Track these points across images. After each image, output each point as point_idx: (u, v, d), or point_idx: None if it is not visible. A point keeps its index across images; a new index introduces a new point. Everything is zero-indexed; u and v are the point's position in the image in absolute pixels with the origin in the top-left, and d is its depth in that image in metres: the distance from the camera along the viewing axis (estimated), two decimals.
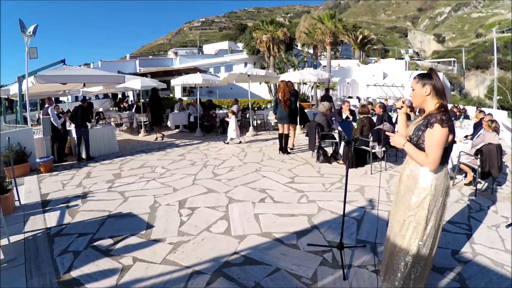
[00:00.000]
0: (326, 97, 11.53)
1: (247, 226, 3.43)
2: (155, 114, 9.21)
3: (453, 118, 1.98)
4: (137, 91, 13.52)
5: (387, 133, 2.10)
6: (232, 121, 8.33)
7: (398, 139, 2.00)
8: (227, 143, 8.42)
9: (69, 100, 16.78)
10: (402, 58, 49.44)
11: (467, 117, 11.38)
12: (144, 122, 11.20)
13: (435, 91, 1.91)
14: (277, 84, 6.92)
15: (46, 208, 4.17)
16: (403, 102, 2.16)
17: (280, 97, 6.79)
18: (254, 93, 20.48)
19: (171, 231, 3.35)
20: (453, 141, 1.92)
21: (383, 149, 5.58)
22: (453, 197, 4.21)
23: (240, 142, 8.49)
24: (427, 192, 1.90)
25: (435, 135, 1.81)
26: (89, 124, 7.56)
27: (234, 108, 10.81)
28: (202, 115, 10.70)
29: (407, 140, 1.98)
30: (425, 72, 2.00)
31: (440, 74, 29.99)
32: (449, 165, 4.84)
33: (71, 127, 7.68)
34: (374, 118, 6.63)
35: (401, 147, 1.98)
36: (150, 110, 9.42)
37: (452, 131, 1.84)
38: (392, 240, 2.08)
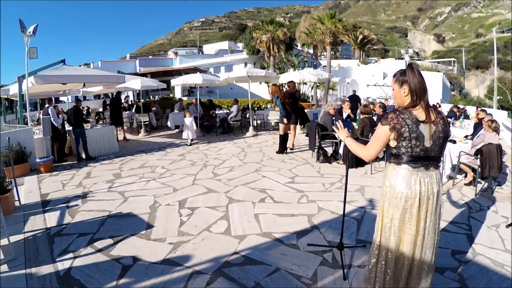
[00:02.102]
0: (355, 98, 11.93)
1: (247, 226, 3.43)
2: (115, 115, 9.77)
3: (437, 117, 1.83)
4: (137, 91, 13.52)
5: (334, 127, 2.22)
6: (188, 121, 8.37)
7: (342, 134, 2.14)
8: (190, 144, 8.47)
9: (69, 100, 16.79)
10: (402, 58, 49.49)
11: (467, 117, 11.38)
12: (144, 122, 11.21)
13: (411, 91, 1.80)
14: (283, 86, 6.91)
15: (46, 208, 4.17)
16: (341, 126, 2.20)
17: (281, 99, 6.80)
18: (254, 93, 20.49)
19: (171, 231, 3.35)
20: (407, 142, 1.77)
21: (383, 149, 5.57)
22: (453, 197, 4.21)
23: (191, 143, 8.54)
24: (383, 193, 1.95)
25: (376, 130, 1.90)
26: (87, 125, 7.56)
27: (234, 108, 10.83)
28: (202, 115, 10.70)
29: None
30: (403, 69, 1.87)
31: (440, 74, 30.10)
32: (445, 167, 4.85)
33: (71, 128, 7.68)
34: (374, 118, 6.63)
35: (344, 141, 2.11)
36: (111, 111, 9.95)
37: (396, 128, 1.76)
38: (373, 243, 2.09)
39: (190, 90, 25.22)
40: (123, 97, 18.36)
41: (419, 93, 1.78)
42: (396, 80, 1.88)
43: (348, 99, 11.78)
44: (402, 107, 1.85)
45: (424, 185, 1.81)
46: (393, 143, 1.84)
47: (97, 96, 22.03)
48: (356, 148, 1.97)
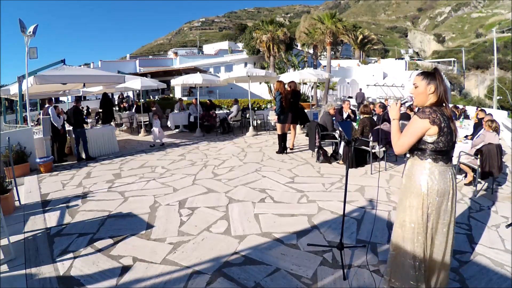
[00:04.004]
0: (360, 95, 12.49)
1: (247, 226, 3.43)
2: (106, 114, 10.56)
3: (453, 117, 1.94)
4: (137, 91, 13.52)
5: (393, 103, 2.13)
6: (156, 123, 8.51)
7: (393, 111, 2.06)
8: (162, 144, 8.55)
9: (69, 100, 16.79)
10: (402, 58, 49.46)
11: (467, 117, 11.38)
12: (144, 122, 11.21)
13: (437, 90, 1.90)
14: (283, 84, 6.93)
15: (46, 208, 4.17)
16: (398, 104, 2.15)
17: (283, 97, 6.80)
18: (254, 93, 20.48)
19: (171, 231, 3.35)
20: (445, 137, 1.84)
21: (383, 149, 5.58)
22: None
23: (163, 144, 8.62)
24: (418, 192, 1.90)
25: (410, 123, 1.89)
26: (87, 125, 7.56)
27: (234, 108, 10.82)
28: (202, 115, 10.70)
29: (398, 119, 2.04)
30: (430, 71, 1.97)
31: None
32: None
33: (71, 128, 7.68)
34: (374, 118, 6.63)
35: (392, 119, 2.06)
36: (103, 111, 10.69)
37: (436, 123, 1.80)
38: (395, 242, 2.06)
39: (190, 90, 25.22)
40: (116, 96, 18.62)
41: (446, 94, 1.90)
42: (424, 78, 1.93)
43: (349, 98, 11.92)
44: (429, 105, 1.90)
45: (454, 179, 1.91)
46: (430, 138, 1.84)
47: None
48: (395, 135, 1.98)
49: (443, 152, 1.87)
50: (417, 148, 1.92)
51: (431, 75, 1.93)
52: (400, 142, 1.92)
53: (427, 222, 1.89)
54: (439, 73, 1.93)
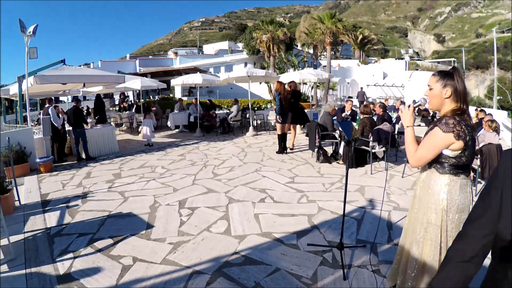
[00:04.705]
0: (361, 94, 12.86)
1: (247, 226, 3.43)
2: (99, 114, 10.92)
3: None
4: (137, 91, 13.53)
5: (404, 107, 1.87)
6: (148, 123, 8.58)
7: (407, 117, 1.80)
8: (151, 145, 8.56)
9: (69, 100, 16.79)
10: (402, 58, 49.45)
11: None
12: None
13: (456, 94, 1.68)
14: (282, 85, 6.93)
15: (46, 208, 4.17)
16: (401, 104, 2.07)
17: (282, 97, 6.81)
18: (254, 93, 20.48)
19: (171, 231, 3.35)
20: (469, 150, 1.65)
21: (383, 149, 5.58)
22: None
23: (152, 144, 8.61)
24: (437, 208, 1.73)
25: (432, 135, 1.68)
26: (87, 125, 7.55)
27: (234, 108, 10.83)
28: (202, 115, 10.70)
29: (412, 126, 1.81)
30: (447, 70, 1.74)
31: None
32: None
33: (71, 128, 7.68)
34: (374, 118, 6.63)
35: (405, 127, 1.82)
36: (97, 112, 10.99)
37: (461, 137, 1.60)
38: (407, 249, 1.94)
39: (190, 90, 25.23)
40: (116, 96, 18.65)
41: (463, 97, 1.68)
42: (439, 80, 1.71)
43: (350, 98, 11.99)
44: (450, 113, 1.68)
45: (472, 191, 1.77)
46: (453, 153, 1.66)
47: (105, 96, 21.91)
48: (411, 146, 1.75)
49: (464, 166, 1.69)
50: (436, 161, 1.73)
51: (448, 75, 1.70)
52: (419, 156, 1.70)
53: (446, 237, 1.73)
54: (458, 74, 1.69)
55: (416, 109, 1.91)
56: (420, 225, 1.83)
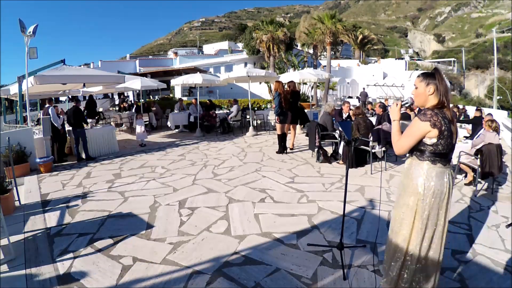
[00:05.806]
0: (364, 94, 12.97)
1: (247, 226, 3.43)
2: (91, 115, 11.18)
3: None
4: (137, 91, 13.52)
5: (394, 103, 2.14)
6: (140, 123, 8.66)
7: (394, 113, 2.07)
8: (144, 145, 8.61)
9: (67, 101, 16.79)
10: (402, 58, 49.45)
11: (467, 117, 11.38)
12: (144, 122, 11.19)
13: (438, 91, 1.91)
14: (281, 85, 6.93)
15: (46, 208, 4.16)
16: (399, 105, 2.15)
17: (282, 96, 6.80)
18: (254, 93, 20.48)
19: (171, 231, 3.35)
20: (445, 140, 1.85)
21: (383, 149, 5.58)
22: (453, 197, 4.20)
23: (145, 145, 8.66)
24: (414, 192, 1.92)
25: (411, 125, 1.91)
26: (87, 125, 7.55)
27: (234, 108, 10.82)
28: (202, 115, 10.70)
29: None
30: (430, 71, 1.99)
31: None
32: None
33: (71, 128, 7.68)
34: (374, 118, 6.63)
35: (392, 120, 2.07)
36: (87, 113, 11.06)
37: (437, 126, 1.82)
38: (390, 239, 2.10)
39: (190, 90, 25.22)
40: (116, 96, 18.65)
41: (446, 94, 1.90)
42: (423, 79, 1.95)
43: (349, 98, 11.95)
44: (431, 107, 1.90)
45: (451, 180, 1.93)
46: (430, 141, 1.86)
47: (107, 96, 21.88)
48: (395, 135, 2.01)
49: (442, 154, 1.88)
50: (417, 149, 1.94)
51: (430, 76, 1.94)
52: (400, 143, 1.95)
53: (422, 221, 1.92)
54: (439, 74, 1.94)
55: (404, 107, 2.07)
56: (400, 209, 2.02)
